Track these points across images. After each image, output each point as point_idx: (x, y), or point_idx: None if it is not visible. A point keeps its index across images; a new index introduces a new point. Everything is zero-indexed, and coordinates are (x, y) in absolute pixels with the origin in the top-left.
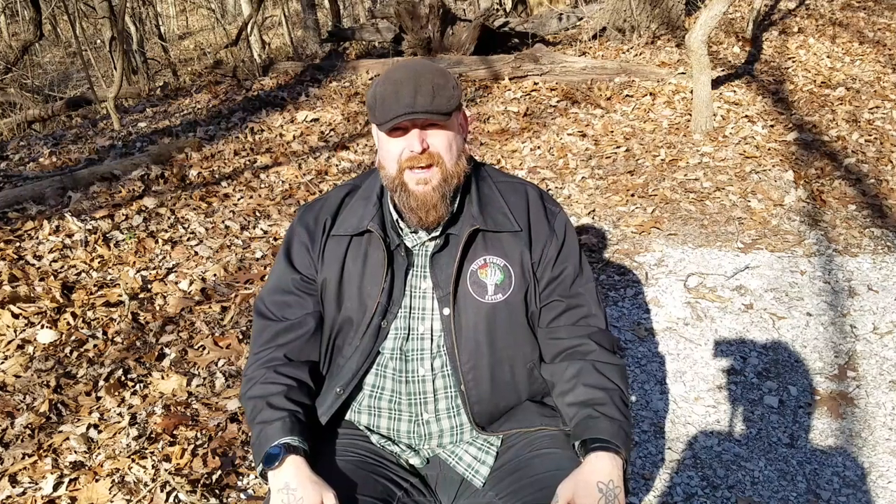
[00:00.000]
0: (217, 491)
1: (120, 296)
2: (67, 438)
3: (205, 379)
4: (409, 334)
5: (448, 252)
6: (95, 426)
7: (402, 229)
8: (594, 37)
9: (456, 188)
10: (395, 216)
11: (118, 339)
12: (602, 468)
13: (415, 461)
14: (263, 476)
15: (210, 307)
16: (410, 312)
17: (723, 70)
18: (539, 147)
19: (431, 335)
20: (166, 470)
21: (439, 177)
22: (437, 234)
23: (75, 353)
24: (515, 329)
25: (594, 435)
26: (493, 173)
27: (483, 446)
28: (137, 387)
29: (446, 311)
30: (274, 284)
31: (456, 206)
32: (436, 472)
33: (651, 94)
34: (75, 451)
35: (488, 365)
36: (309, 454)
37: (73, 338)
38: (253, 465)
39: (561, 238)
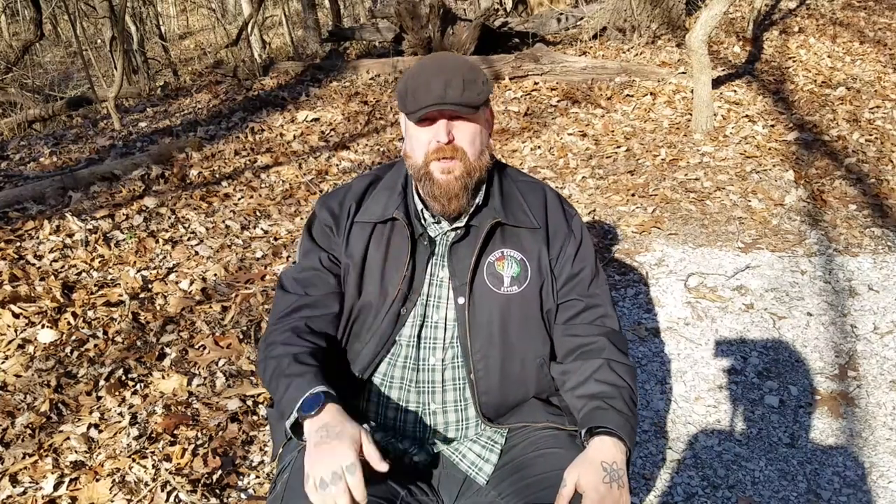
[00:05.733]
0: (217, 491)
1: (120, 295)
2: (68, 438)
3: (205, 379)
4: (424, 321)
5: (467, 243)
6: (96, 426)
7: (425, 219)
8: (594, 36)
9: (478, 182)
10: (419, 206)
11: (119, 338)
12: (606, 450)
13: (418, 458)
14: (295, 430)
15: (210, 307)
16: (427, 300)
17: (723, 70)
18: (539, 147)
19: (445, 324)
20: (167, 470)
21: (462, 168)
22: (461, 224)
23: (76, 353)
24: (528, 322)
25: (601, 423)
26: (514, 173)
27: (487, 444)
28: (138, 386)
29: (461, 300)
30: (299, 261)
31: (480, 199)
32: (439, 471)
33: (651, 93)
34: (76, 451)
35: (499, 356)
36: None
37: (73, 337)
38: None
39: (579, 238)
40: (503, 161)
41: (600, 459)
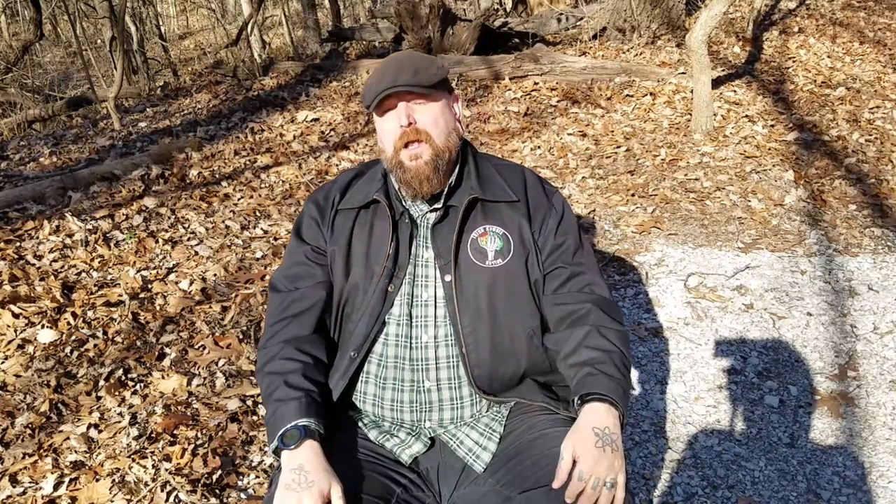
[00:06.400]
0: (217, 491)
1: (120, 295)
2: (68, 438)
3: (205, 379)
4: (412, 300)
5: (448, 222)
6: (96, 426)
7: (405, 198)
8: (594, 37)
9: (449, 162)
10: (398, 187)
11: (118, 338)
12: (597, 416)
13: (416, 447)
14: (276, 453)
15: (210, 307)
16: (414, 280)
17: (723, 70)
18: (539, 147)
19: (435, 302)
20: (167, 470)
21: (430, 151)
22: (439, 205)
23: (75, 353)
24: (515, 295)
25: (591, 389)
26: (492, 158)
27: (485, 432)
28: (138, 386)
29: (448, 277)
30: (286, 260)
31: (454, 179)
32: (436, 461)
33: (651, 93)
34: (76, 451)
35: (488, 329)
36: (324, 438)
37: (73, 337)
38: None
39: (560, 212)
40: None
41: (591, 425)
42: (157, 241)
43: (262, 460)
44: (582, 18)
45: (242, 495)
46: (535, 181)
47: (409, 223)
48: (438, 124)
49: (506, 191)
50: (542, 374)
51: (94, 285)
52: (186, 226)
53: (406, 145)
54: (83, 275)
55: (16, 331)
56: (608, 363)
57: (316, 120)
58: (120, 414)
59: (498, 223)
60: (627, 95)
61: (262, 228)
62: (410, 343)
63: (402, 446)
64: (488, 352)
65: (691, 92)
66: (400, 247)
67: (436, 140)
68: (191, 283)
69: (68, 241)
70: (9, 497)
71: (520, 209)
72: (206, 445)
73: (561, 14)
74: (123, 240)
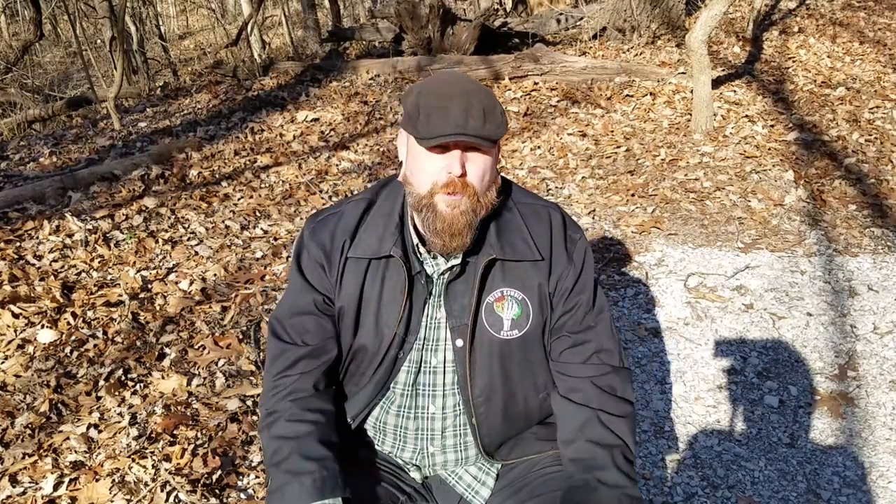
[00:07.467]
0: (217, 491)
1: (120, 296)
2: (67, 438)
3: (205, 379)
4: (420, 367)
5: (464, 281)
6: (95, 426)
7: (421, 254)
8: (594, 37)
9: (481, 219)
10: (415, 240)
11: (118, 338)
12: None
13: (415, 475)
14: None
15: (210, 307)
16: (424, 344)
17: (723, 70)
18: (539, 147)
19: (444, 368)
20: (166, 470)
21: (468, 204)
22: (457, 262)
23: (75, 353)
24: (531, 363)
25: None
26: (517, 195)
27: (483, 467)
28: (137, 386)
29: (459, 342)
30: (291, 304)
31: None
32: (436, 488)
33: (651, 93)
34: (75, 451)
35: (501, 399)
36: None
37: (73, 338)
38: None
39: (578, 268)
40: (510, 180)
41: None
42: (157, 241)
43: (262, 460)
44: (582, 18)
45: (242, 495)
46: (560, 231)
47: (425, 284)
48: (484, 179)
49: (529, 247)
50: (547, 416)
51: (94, 285)
52: (186, 226)
53: (446, 192)
54: (83, 275)
55: (16, 331)
56: (610, 468)
57: (316, 120)
58: (120, 414)
59: (517, 286)
60: (627, 95)
61: (262, 228)
62: (415, 413)
63: (403, 469)
64: (500, 421)
65: (691, 92)
66: (413, 310)
67: (478, 194)
68: (191, 283)
69: (68, 241)
70: (9, 497)
71: (542, 267)
72: (206, 445)
73: (561, 14)
74: (123, 240)
